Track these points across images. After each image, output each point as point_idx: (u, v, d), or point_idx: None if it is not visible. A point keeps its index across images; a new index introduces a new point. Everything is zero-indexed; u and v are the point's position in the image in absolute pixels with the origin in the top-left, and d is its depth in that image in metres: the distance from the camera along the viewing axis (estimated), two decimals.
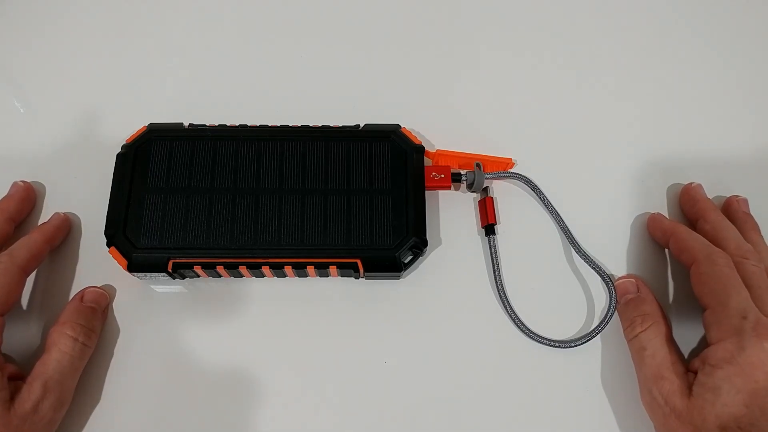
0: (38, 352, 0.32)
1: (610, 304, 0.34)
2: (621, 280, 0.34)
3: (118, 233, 0.33)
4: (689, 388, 0.29)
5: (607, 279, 0.34)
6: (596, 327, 0.34)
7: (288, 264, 0.33)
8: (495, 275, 0.35)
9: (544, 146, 0.39)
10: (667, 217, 0.37)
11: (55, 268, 0.35)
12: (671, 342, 0.32)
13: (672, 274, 0.36)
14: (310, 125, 0.36)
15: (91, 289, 0.34)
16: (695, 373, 0.29)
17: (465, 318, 0.35)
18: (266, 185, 0.34)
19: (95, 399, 0.33)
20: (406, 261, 0.33)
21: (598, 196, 0.37)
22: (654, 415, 0.31)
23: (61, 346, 0.31)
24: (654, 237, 0.36)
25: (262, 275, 0.35)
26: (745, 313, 0.28)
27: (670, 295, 0.35)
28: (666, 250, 0.36)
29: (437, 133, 0.38)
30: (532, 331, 0.34)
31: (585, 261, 0.35)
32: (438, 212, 0.37)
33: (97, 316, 0.33)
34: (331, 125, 0.36)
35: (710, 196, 0.37)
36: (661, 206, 0.37)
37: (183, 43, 0.41)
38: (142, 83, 0.40)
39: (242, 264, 0.33)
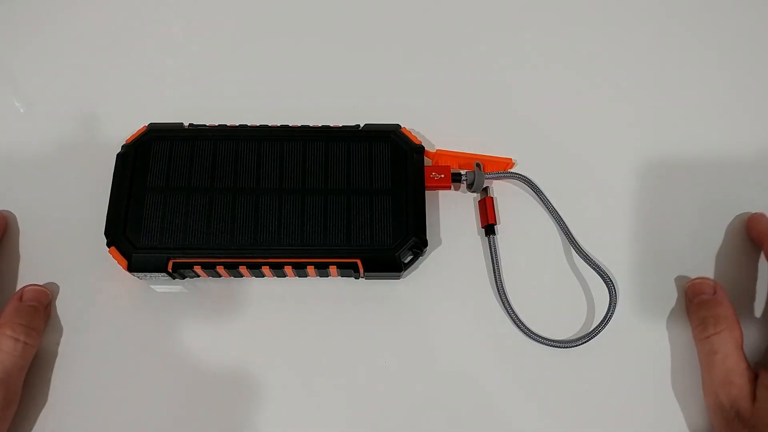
0: None
1: (610, 304, 0.34)
2: (697, 280, 0.34)
3: (118, 233, 0.33)
4: (755, 393, 0.29)
5: (607, 279, 0.34)
6: (596, 327, 0.34)
7: (288, 264, 0.33)
8: (495, 275, 0.35)
9: (544, 146, 0.39)
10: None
11: (54, 268, 0.35)
12: (741, 348, 0.31)
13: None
14: (310, 125, 0.36)
15: (31, 287, 0.34)
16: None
17: (465, 318, 0.35)
18: (266, 185, 0.34)
19: (95, 398, 0.33)
20: (406, 261, 0.33)
21: (598, 196, 0.37)
22: (717, 419, 0.31)
23: (2, 347, 0.31)
24: (750, 236, 0.36)
25: (262, 275, 0.35)
26: None
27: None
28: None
29: (437, 133, 0.38)
30: (532, 331, 0.34)
31: (585, 261, 0.35)
32: (438, 212, 0.37)
33: (38, 314, 0.33)
34: (331, 125, 0.36)
35: (709, 197, 0.37)
36: (660, 205, 0.37)
37: (183, 43, 0.41)
38: (142, 83, 0.40)
39: (242, 264, 0.33)
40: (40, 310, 0.33)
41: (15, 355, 0.31)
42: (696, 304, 0.33)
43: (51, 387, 0.33)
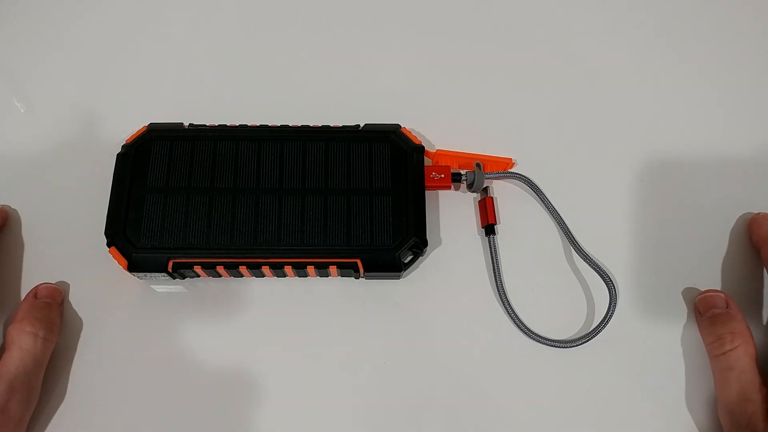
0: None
1: (610, 304, 0.34)
2: (709, 293, 0.33)
3: (118, 233, 0.33)
4: None
5: (607, 279, 0.34)
6: (596, 327, 0.34)
7: (288, 264, 0.33)
8: (495, 275, 0.35)
9: (544, 146, 0.39)
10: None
11: (55, 269, 0.35)
12: (756, 362, 0.30)
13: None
14: (310, 125, 0.36)
15: (44, 285, 0.34)
16: None
17: (465, 318, 0.35)
18: (266, 185, 0.34)
19: (93, 397, 0.33)
20: (406, 261, 0.33)
21: (598, 196, 0.37)
22: None
23: (22, 344, 0.30)
24: (750, 240, 0.35)
25: (262, 275, 0.35)
26: None
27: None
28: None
29: (437, 133, 0.38)
30: (532, 331, 0.34)
31: (585, 261, 0.35)
32: (438, 212, 0.37)
33: (54, 310, 0.33)
34: (331, 125, 0.36)
35: (710, 199, 0.37)
36: (660, 205, 0.37)
37: (183, 42, 0.41)
38: (142, 83, 0.40)
39: (242, 264, 0.33)
40: (54, 307, 0.33)
41: (35, 351, 0.31)
42: (709, 318, 0.32)
43: (47, 385, 0.33)
